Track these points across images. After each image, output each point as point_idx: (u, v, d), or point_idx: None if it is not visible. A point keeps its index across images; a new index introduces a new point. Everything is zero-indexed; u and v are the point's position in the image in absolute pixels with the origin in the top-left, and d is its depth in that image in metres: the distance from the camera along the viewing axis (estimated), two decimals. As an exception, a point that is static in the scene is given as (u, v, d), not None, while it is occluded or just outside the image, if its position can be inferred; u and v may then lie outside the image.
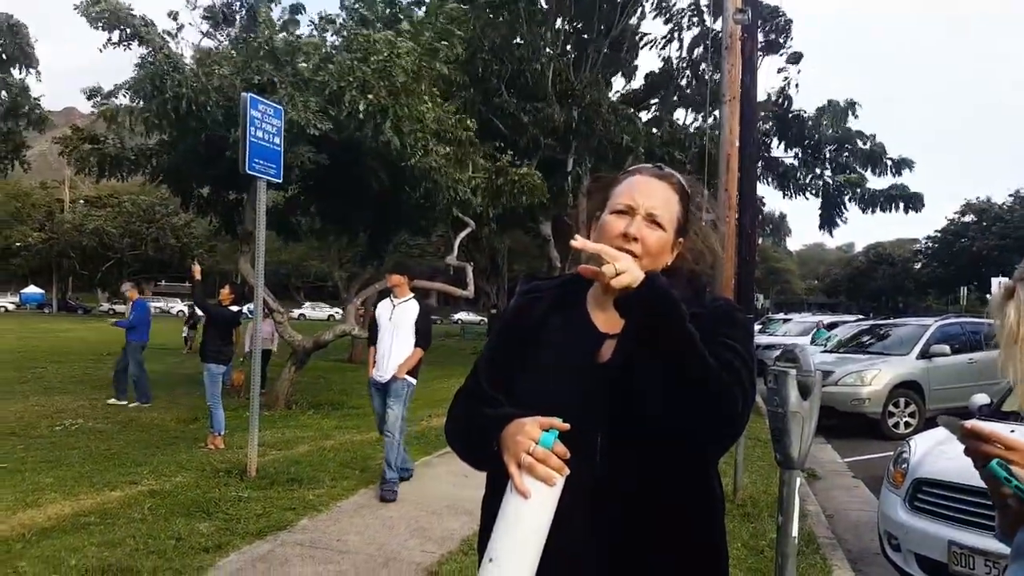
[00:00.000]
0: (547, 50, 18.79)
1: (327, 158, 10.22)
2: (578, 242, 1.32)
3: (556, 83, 18.78)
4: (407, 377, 6.10)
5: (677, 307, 1.27)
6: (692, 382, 1.24)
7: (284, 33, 10.53)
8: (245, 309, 9.99)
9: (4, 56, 14.44)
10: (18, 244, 55.79)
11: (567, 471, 1.23)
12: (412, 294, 6.41)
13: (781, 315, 31.60)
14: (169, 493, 5.76)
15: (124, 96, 10.90)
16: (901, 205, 23.09)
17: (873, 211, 23.17)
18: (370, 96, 9.30)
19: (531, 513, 1.21)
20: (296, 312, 46.32)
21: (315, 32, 11.31)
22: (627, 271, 1.25)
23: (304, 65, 9.80)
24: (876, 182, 23.13)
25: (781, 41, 21.72)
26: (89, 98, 11.01)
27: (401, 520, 5.33)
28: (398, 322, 6.18)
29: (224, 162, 9.63)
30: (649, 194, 1.44)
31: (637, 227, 1.41)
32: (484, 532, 1.39)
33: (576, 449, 1.25)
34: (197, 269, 8.47)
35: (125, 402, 10.64)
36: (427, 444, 8.13)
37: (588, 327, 1.44)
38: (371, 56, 9.48)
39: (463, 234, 13.33)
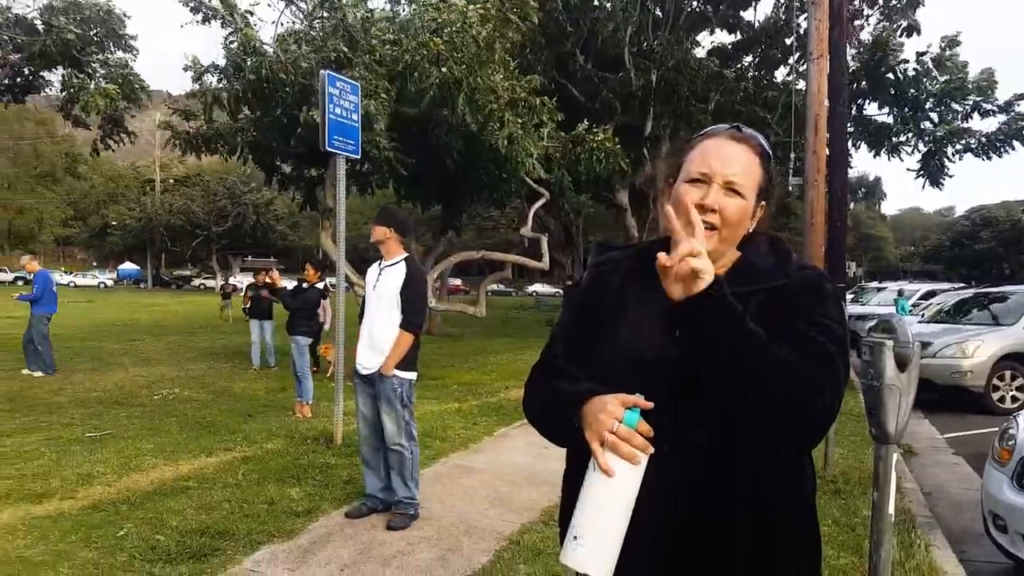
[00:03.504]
0: (625, 11, 18.10)
1: (397, 136, 10.33)
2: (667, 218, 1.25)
3: (634, 44, 18.21)
4: (398, 373, 4.53)
5: (741, 322, 1.18)
6: (763, 393, 1.16)
7: (357, 9, 10.61)
8: (328, 282, 10.28)
9: (101, 39, 15.02)
10: (114, 223, 59.07)
11: (651, 450, 1.19)
12: (405, 254, 4.75)
13: (875, 284, 30.25)
14: (261, 459, 6.01)
15: (212, 76, 11.28)
16: (1016, 144, 21.03)
17: (988, 157, 21.27)
18: (444, 69, 9.31)
19: (615, 492, 1.19)
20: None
21: (387, 5, 11.39)
22: (701, 256, 1.17)
23: (377, 41, 9.88)
24: (985, 124, 21.05)
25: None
26: (185, 70, 11.43)
27: (481, 489, 5.39)
28: (382, 292, 4.62)
29: (301, 140, 9.84)
30: (726, 160, 1.33)
31: (714, 197, 1.31)
32: (566, 508, 1.36)
33: (653, 426, 1.21)
34: (276, 276, 8.78)
35: (36, 372, 10.74)
36: (505, 415, 8.19)
37: (664, 300, 1.34)
38: (444, 28, 9.47)
39: (537, 205, 13.25)
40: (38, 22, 15.37)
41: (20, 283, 54.47)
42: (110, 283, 60.03)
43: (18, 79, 16.97)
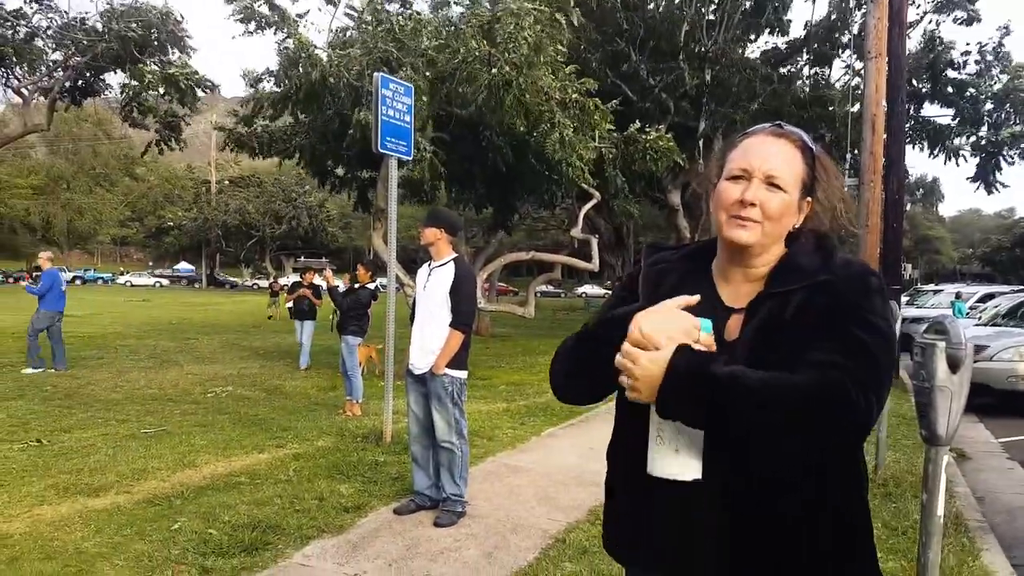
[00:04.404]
0: (680, 9, 17.92)
1: (448, 138, 10.41)
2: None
3: (688, 44, 18.03)
4: (449, 371, 4.58)
5: (715, 388, 1.17)
6: (785, 421, 1.16)
7: (406, 11, 10.73)
8: (379, 283, 10.43)
9: (160, 40, 15.48)
10: (170, 223, 60.82)
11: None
12: (455, 255, 4.80)
13: (931, 286, 29.33)
14: (311, 456, 6.11)
15: (268, 81, 11.56)
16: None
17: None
18: (494, 71, 9.35)
19: None
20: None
21: (437, 8, 11.48)
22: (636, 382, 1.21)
23: (426, 44, 9.97)
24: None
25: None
26: (243, 78, 11.73)
27: (528, 488, 5.38)
28: (432, 292, 4.70)
29: (355, 141, 9.98)
30: (766, 156, 1.33)
31: (754, 192, 1.31)
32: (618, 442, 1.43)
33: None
34: (329, 275, 8.95)
35: (42, 369, 10.69)
36: (552, 416, 8.17)
37: (714, 301, 1.36)
38: (495, 26, 9.50)
39: (588, 206, 13.21)
40: (99, 25, 15.89)
41: (78, 282, 56.76)
42: (165, 282, 61.74)
43: (79, 82, 17.57)
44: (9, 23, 16.05)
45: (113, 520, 4.46)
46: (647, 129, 12.63)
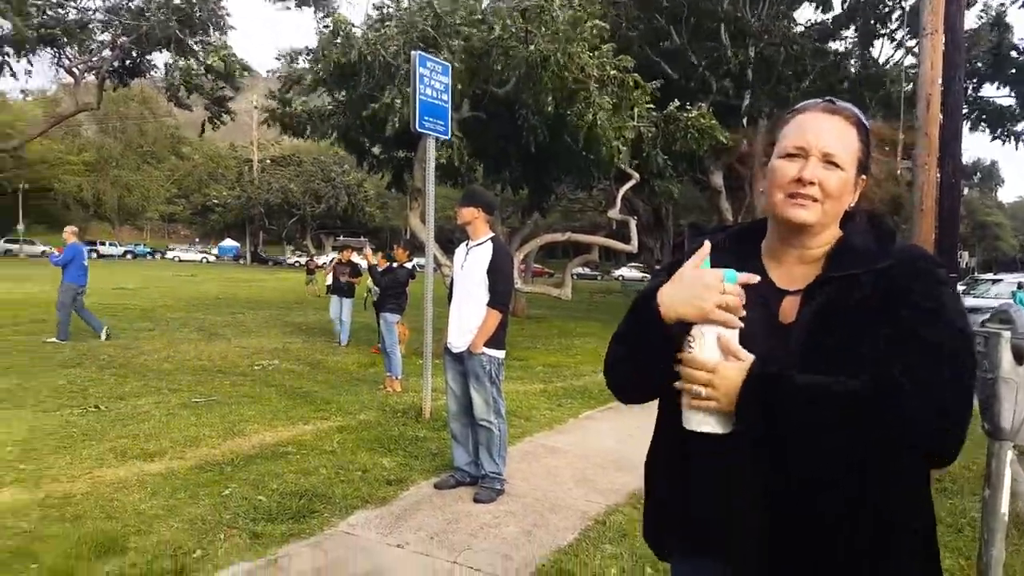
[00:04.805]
0: None
1: (484, 115, 10.37)
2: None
3: (730, 20, 17.65)
4: (487, 350, 4.61)
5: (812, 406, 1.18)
6: (867, 432, 1.15)
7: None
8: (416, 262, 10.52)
9: (202, 20, 15.66)
10: (215, 201, 61.98)
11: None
12: (491, 234, 4.79)
13: (989, 275, 28.45)
14: (354, 429, 6.25)
15: (304, 60, 11.63)
16: None
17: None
18: (531, 47, 9.27)
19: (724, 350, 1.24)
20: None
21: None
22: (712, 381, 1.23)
23: (462, 22, 9.92)
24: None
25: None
26: (278, 59, 11.86)
27: (566, 470, 5.41)
28: (469, 272, 4.71)
29: (379, 121, 9.96)
30: (822, 132, 1.30)
31: (812, 170, 1.28)
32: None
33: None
34: (369, 253, 9.08)
35: (63, 340, 10.80)
36: (590, 398, 8.19)
37: (766, 282, 1.33)
38: (530, 8, 9.42)
39: (627, 187, 13.07)
40: (142, 3, 16.13)
41: (129, 256, 58.33)
42: (212, 259, 62.94)
43: (126, 62, 17.91)
44: (60, 5, 16.40)
45: (168, 484, 4.63)
46: (688, 108, 12.42)
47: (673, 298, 1.24)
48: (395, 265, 8.95)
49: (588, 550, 3.85)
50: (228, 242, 67.38)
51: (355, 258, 12.42)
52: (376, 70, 9.95)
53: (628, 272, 55.97)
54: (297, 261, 56.96)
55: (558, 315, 20.51)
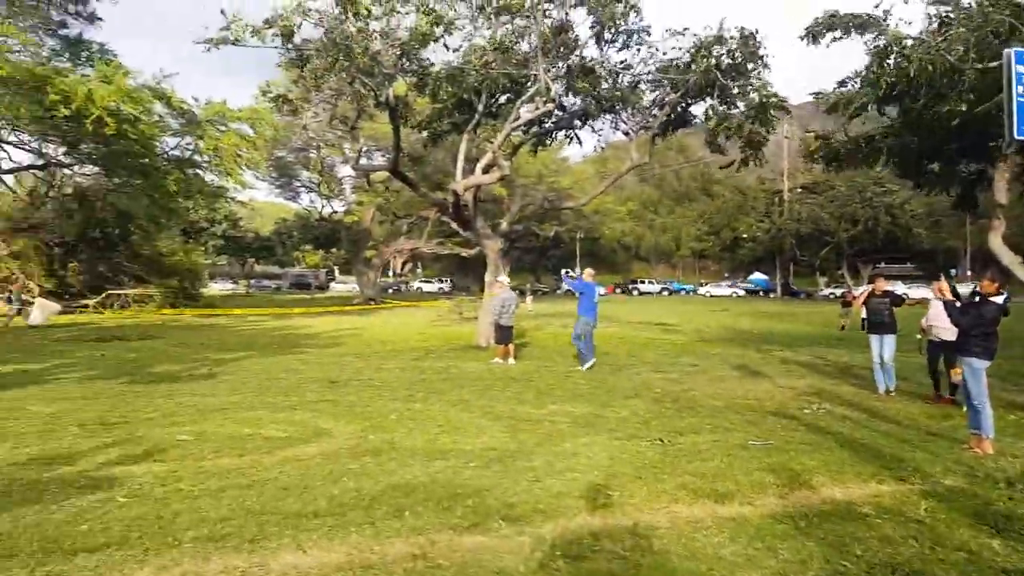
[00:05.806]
0: None
1: None
2: None
3: None
4: None
5: None
6: None
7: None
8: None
9: (742, 61, 15.87)
10: (744, 235, 63.67)
11: None
12: None
13: None
14: (943, 497, 5.40)
15: (852, 85, 11.02)
16: None
17: None
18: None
19: None
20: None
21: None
22: None
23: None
24: None
25: None
26: (816, 96, 11.49)
27: None
28: None
29: (965, 133, 8.76)
30: None
31: None
32: None
33: None
34: (944, 286, 7.58)
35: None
36: None
37: None
38: None
39: None
40: (687, 57, 17.18)
41: (665, 292, 64.23)
42: (741, 293, 64.42)
43: (671, 116, 19.38)
44: (615, 73, 18.68)
45: (743, 531, 4.62)
46: None
47: None
48: (978, 299, 7.42)
49: None
50: (757, 275, 68.32)
51: (897, 288, 10.87)
52: (937, 80, 8.85)
53: None
54: (832, 293, 54.31)
55: None
